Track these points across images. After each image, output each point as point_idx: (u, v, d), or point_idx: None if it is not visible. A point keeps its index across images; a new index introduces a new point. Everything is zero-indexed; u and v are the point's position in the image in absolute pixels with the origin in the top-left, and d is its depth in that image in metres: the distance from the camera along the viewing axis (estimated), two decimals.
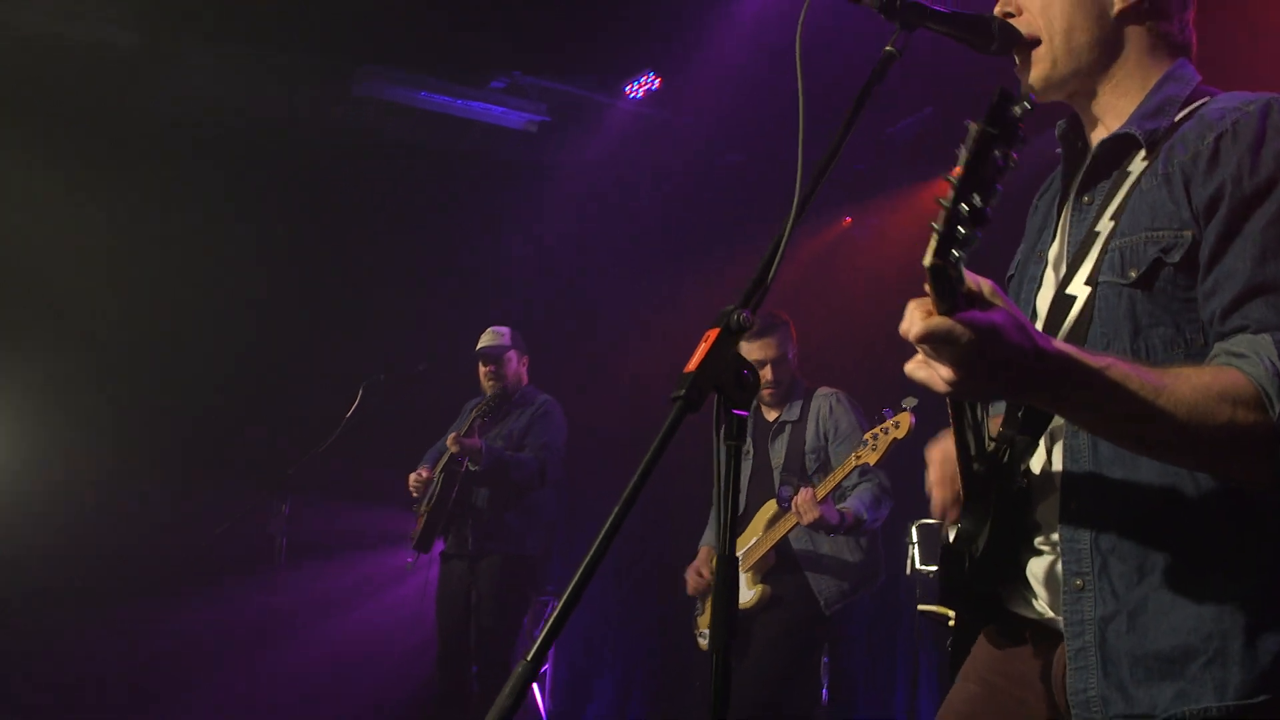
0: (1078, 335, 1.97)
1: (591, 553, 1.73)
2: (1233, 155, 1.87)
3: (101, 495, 7.09)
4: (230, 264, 7.59)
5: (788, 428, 5.50)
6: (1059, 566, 1.98)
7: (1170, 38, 2.14)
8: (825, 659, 5.99)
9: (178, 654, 7.17)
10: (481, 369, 6.56)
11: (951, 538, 2.13)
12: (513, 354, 6.58)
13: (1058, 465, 2.00)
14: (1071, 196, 2.16)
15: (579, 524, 8.00)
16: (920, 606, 4.52)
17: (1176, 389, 1.68)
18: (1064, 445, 1.99)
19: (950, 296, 1.56)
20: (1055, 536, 2.00)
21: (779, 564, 5.34)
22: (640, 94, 7.60)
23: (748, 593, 5.33)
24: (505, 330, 6.61)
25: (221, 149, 7.65)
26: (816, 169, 1.92)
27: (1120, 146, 2.07)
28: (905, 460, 4.64)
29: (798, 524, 5.09)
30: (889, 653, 7.56)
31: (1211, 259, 1.85)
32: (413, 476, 6.42)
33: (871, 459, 4.84)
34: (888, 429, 4.80)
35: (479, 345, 6.56)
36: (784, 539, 5.25)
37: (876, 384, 7.12)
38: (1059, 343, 1.66)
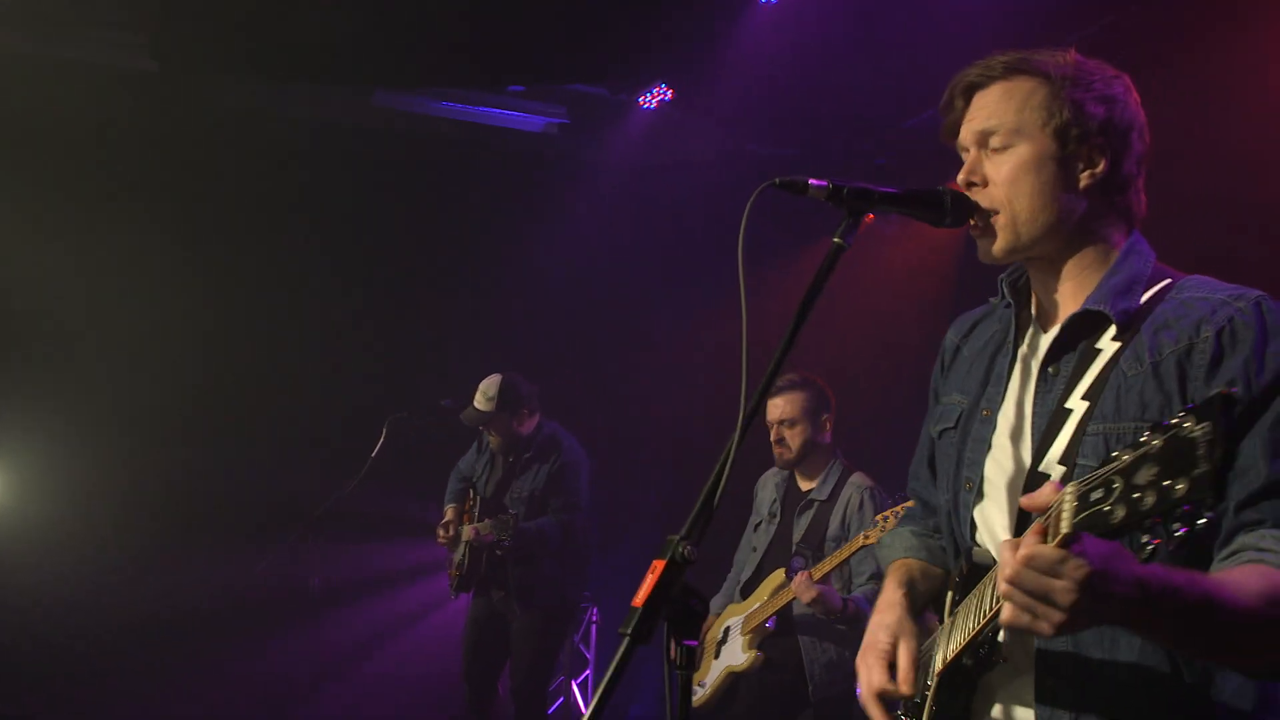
0: None
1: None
2: (1237, 355, 1.91)
3: (130, 547, 7.17)
4: (247, 294, 7.65)
5: (815, 505, 5.27)
6: None
7: (1129, 209, 2.15)
8: None
9: (222, 703, 7.29)
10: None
11: None
12: (502, 416, 6.31)
13: (1031, 643, 2.00)
14: (1032, 363, 2.16)
15: (615, 520, 8.12)
16: None
17: (1247, 603, 1.72)
18: None
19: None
20: (1023, 713, 2.03)
21: (778, 628, 5.15)
22: (653, 104, 7.59)
23: (741, 656, 5.20)
24: (494, 389, 6.30)
25: (237, 171, 7.65)
26: (764, 380, 1.94)
27: (1090, 322, 2.08)
28: None
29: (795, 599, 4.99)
30: None
31: None
32: (440, 531, 6.39)
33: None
34: (899, 513, 4.62)
35: (468, 415, 6.36)
36: (789, 604, 5.10)
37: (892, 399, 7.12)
38: (1144, 568, 1.67)
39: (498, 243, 8.42)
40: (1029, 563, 1.62)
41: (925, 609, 2.26)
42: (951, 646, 2.06)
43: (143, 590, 7.12)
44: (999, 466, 2.14)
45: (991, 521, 2.15)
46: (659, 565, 1.81)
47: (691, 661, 1.82)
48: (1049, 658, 1.98)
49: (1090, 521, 1.56)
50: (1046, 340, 2.14)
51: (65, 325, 7.16)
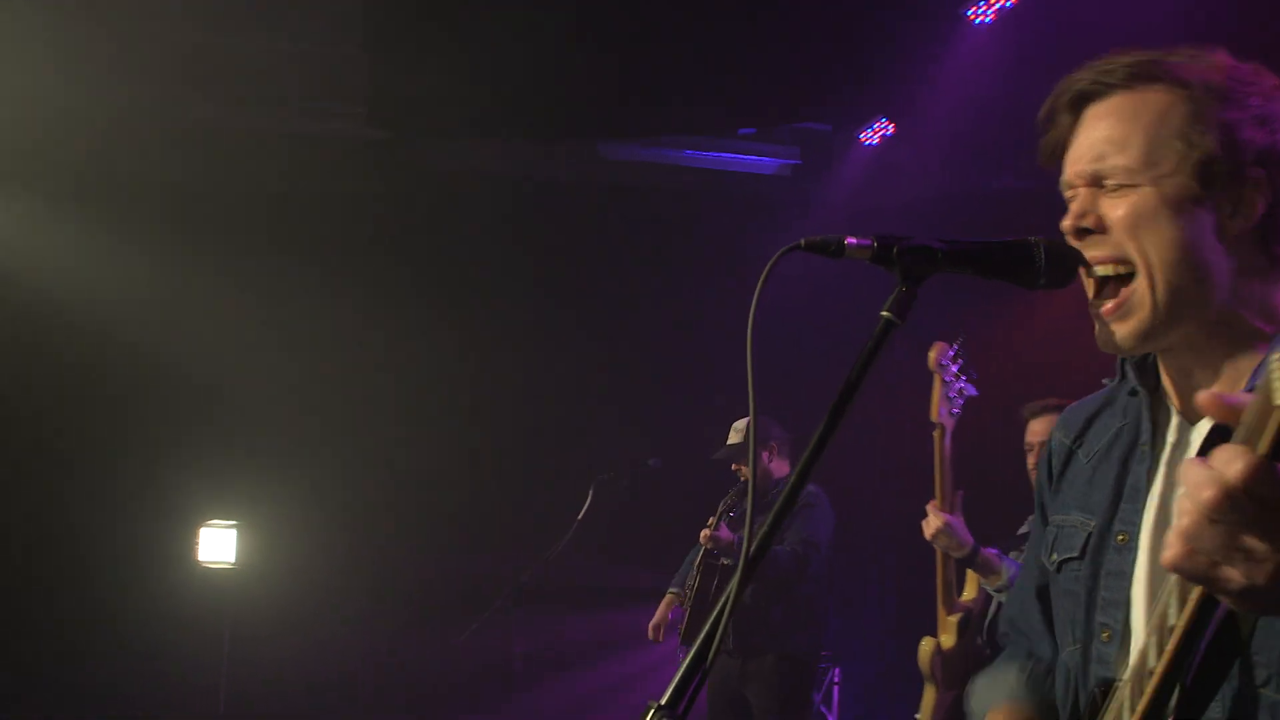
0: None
1: None
2: None
3: (354, 614, 7.27)
4: (475, 359, 7.66)
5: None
6: None
7: None
8: None
9: None
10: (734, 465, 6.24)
11: None
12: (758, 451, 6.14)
13: None
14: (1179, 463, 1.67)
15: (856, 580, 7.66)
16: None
17: None
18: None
19: None
20: None
21: None
22: (875, 140, 7.20)
23: None
24: (745, 424, 6.15)
25: (462, 235, 7.73)
26: (786, 491, 1.59)
27: None
28: None
29: None
30: None
31: None
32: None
33: None
34: None
35: (719, 453, 6.21)
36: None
37: None
38: None
39: (724, 292, 8.13)
40: (1251, 479, 1.09)
41: None
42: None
43: (358, 659, 7.22)
44: (1149, 607, 1.61)
45: None
46: None
47: None
48: None
49: None
50: (1200, 432, 1.61)
51: (295, 395, 7.36)
